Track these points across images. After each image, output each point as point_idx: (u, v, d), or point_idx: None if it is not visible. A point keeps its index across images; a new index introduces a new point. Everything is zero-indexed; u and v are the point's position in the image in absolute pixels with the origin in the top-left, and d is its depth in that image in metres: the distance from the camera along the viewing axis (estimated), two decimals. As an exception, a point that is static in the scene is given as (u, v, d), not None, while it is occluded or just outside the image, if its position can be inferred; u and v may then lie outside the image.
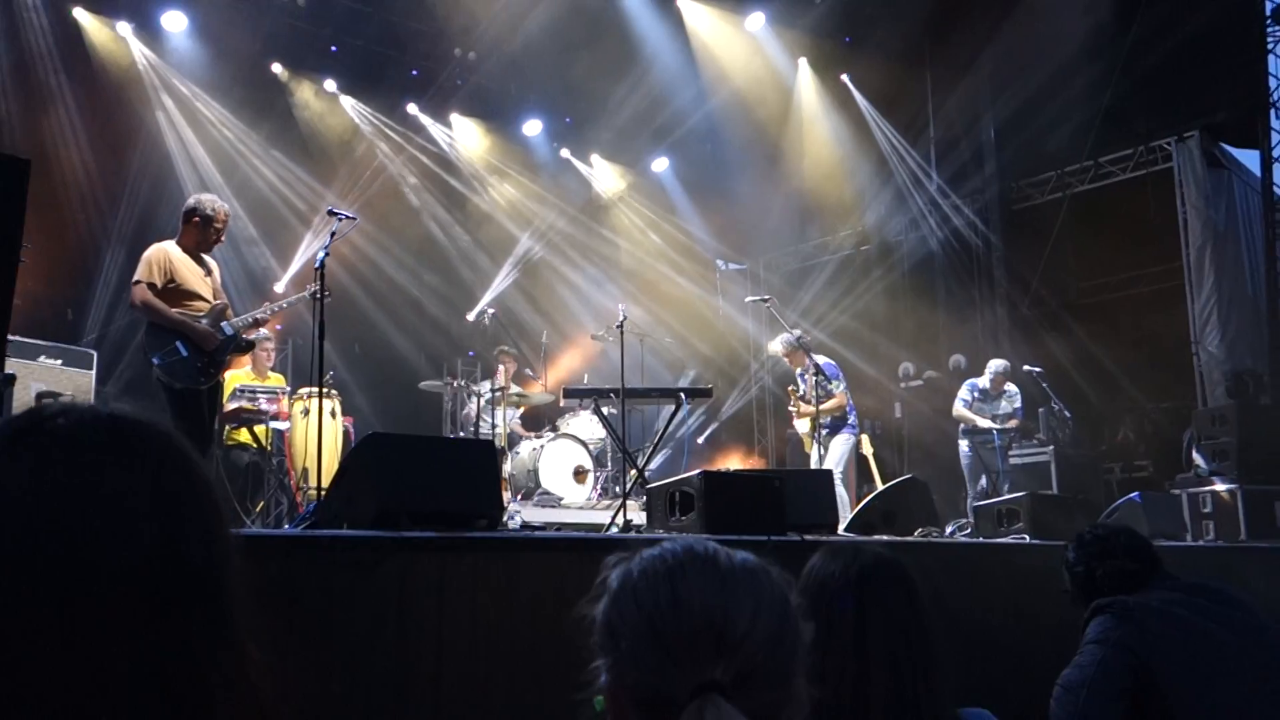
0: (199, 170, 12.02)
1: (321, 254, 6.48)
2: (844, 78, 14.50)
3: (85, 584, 1.00)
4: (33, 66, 10.75)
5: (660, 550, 1.40)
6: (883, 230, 15.44)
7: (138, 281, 6.66)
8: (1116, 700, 2.93)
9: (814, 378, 9.64)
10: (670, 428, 8.49)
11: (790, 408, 10.23)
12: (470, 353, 11.94)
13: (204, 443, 6.68)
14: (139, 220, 11.06)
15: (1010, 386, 11.14)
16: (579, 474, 10.10)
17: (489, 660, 4.20)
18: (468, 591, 4.20)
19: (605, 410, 8.91)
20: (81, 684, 0.97)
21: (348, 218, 6.76)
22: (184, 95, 11.99)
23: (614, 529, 6.80)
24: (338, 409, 9.11)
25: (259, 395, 9.00)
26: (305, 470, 8.34)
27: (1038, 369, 11.38)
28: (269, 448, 9.01)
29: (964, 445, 11.06)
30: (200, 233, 6.90)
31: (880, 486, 8.99)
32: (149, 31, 11.76)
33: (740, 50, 13.98)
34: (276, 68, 12.91)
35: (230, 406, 8.85)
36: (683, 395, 7.70)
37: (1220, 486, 8.84)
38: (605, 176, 15.85)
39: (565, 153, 15.37)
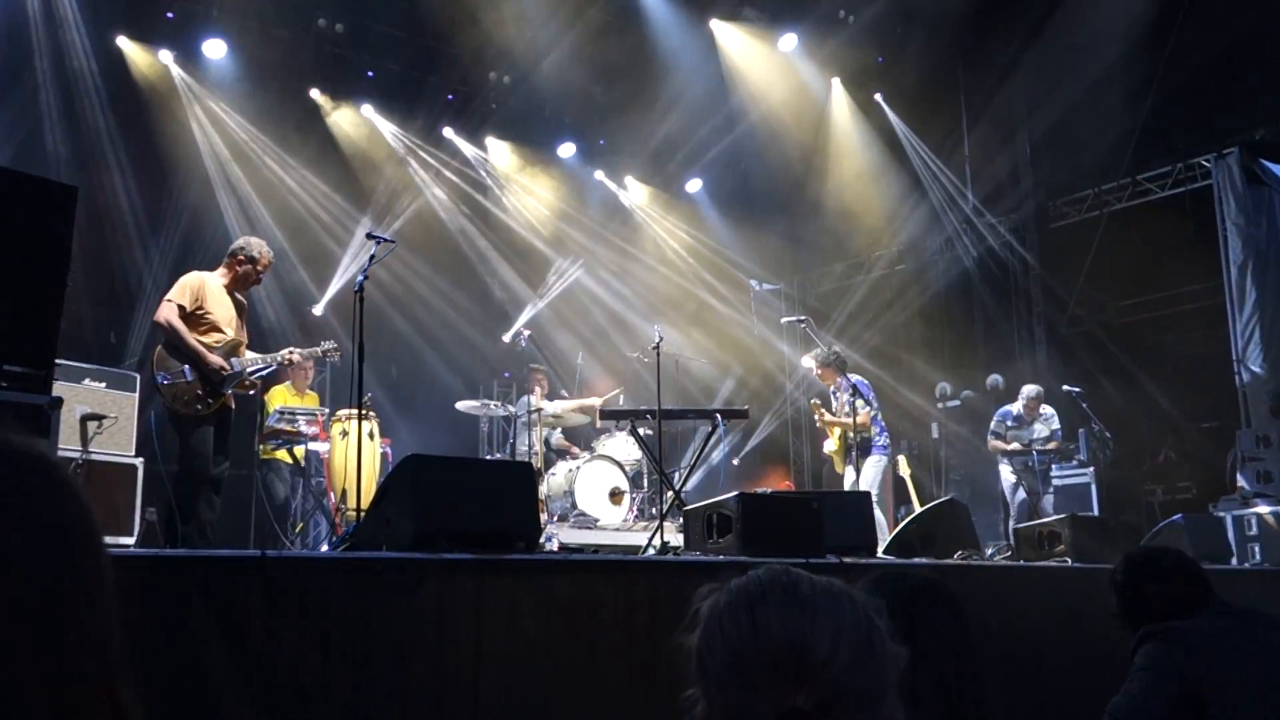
0: (238, 194, 12.17)
1: (360, 278, 6.53)
2: (877, 97, 14.49)
3: None
4: (77, 94, 10.93)
5: (746, 579, 1.41)
6: (917, 250, 15.37)
7: (169, 300, 6.82)
8: (1167, 729, 2.88)
9: (847, 395, 9.58)
10: (706, 449, 8.45)
11: (815, 419, 10.14)
12: (506, 374, 11.98)
13: (206, 466, 6.75)
14: (180, 244, 11.21)
15: (1046, 409, 11.03)
16: (615, 495, 10.08)
17: (527, 682, 4.19)
18: (505, 613, 4.20)
19: (642, 431, 8.90)
20: None
21: (386, 241, 6.82)
22: (224, 121, 12.15)
23: (651, 551, 6.78)
24: (376, 431, 9.17)
25: (298, 417, 9.06)
26: (344, 492, 8.38)
27: (1077, 389, 11.27)
28: (307, 469, 9.07)
29: (1004, 467, 10.97)
30: (243, 273, 7.03)
31: (918, 508, 8.92)
32: (190, 59, 11.93)
33: (773, 71, 14.01)
34: (314, 93, 13.07)
35: (270, 428, 8.92)
36: (718, 416, 7.68)
37: (1265, 509, 8.71)
38: (639, 198, 15.89)
39: (599, 175, 15.43)
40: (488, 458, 10.39)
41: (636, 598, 4.49)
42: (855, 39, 13.61)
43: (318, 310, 12.15)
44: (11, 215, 3.95)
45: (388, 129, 13.66)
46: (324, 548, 7.79)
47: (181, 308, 6.82)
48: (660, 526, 6.92)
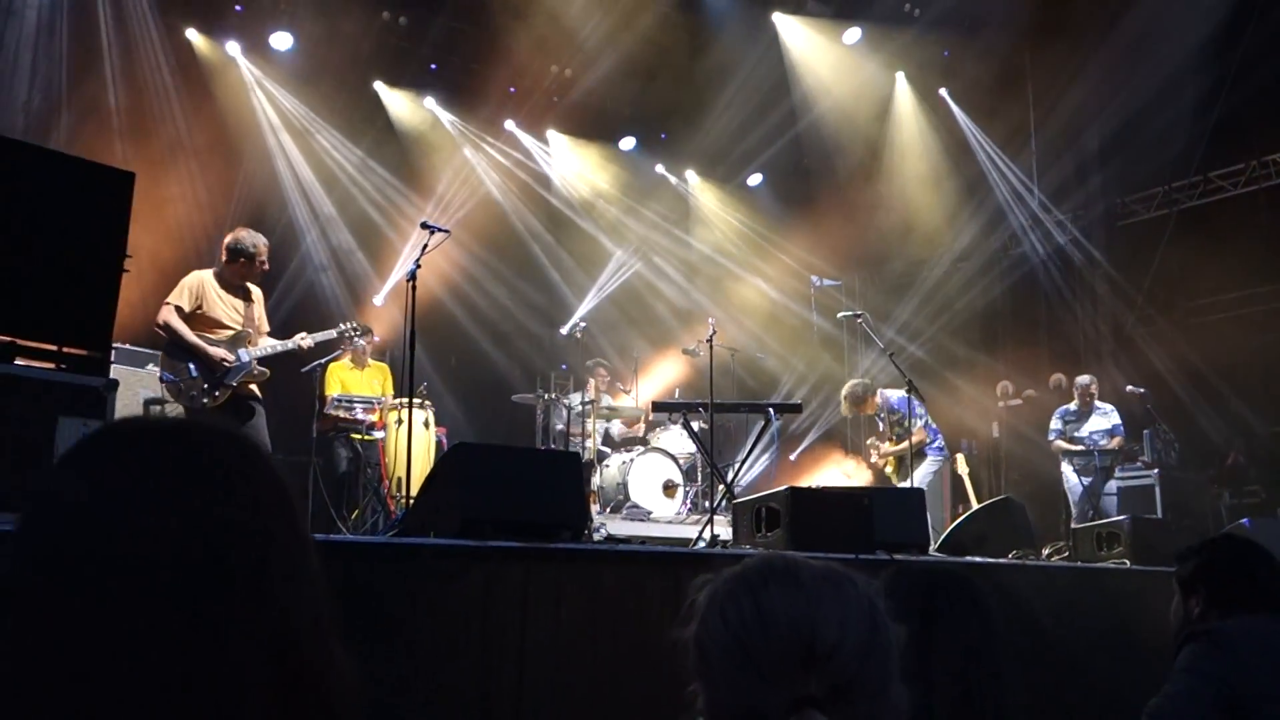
0: (302, 183, 12.33)
1: (413, 266, 6.60)
2: (942, 91, 14.31)
3: (107, 580, 0.99)
4: (147, 84, 11.13)
5: (741, 567, 1.39)
6: (981, 247, 15.16)
7: (167, 303, 7.03)
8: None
9: (889, 416, 9.60)
10: (760, 443, 8.43)
11: (874, 460, 10.17)
12: (563, 365, 12.03)
13: None
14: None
15: (1103, 404, 10.87)
16: (668, 488, 10.08)
17: (570, 672, 4.20)
18: (550, 602, 4.22)
19: (695, 424, 8.89)
20: (102, 683, 0.96)
21: (440, 230, 6.88)
22: (289, 112, 12.31)
23: (701, 544, 6.76)
24: (431, 419, 9.25)
25: (355, 405, 9.17)
26: (399, 479, 8.47)
27: (1142, 390, 11.08)
28: (364, 457, 9.17)
29: (1066, 466, 10.82)
30: (243, 268, 7.19)
31: (975, 506, 8.81)
32: (257, 51, 12.11)
33: (836, 65, 13.89)
34: (378, 85, 13.20)
35: (329, 414, 9.04)
36: (771, 410, 7.64)
37: (1336, 514, 8.49)
38: (700, 192, 15.85)
39: (660, 168, 15.42)
40: (540, 449, 10.44)
41: (683, 591, 4.49)
42: (922, 33, 13.45)
43: (378, 300, 12.28)
44: (71, 200, 4.04)
45: (450, 121, 13.76)
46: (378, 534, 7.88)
47: (179, 309, 7.01)
48: (710, 519, 6.90)
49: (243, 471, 1.10)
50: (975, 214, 14.85)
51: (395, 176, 13.03)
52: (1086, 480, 10.57)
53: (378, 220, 12.87)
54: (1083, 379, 10.92)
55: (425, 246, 6.86)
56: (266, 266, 7.30)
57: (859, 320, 9.90)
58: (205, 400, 6.89)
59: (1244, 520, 8.02)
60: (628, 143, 14.95)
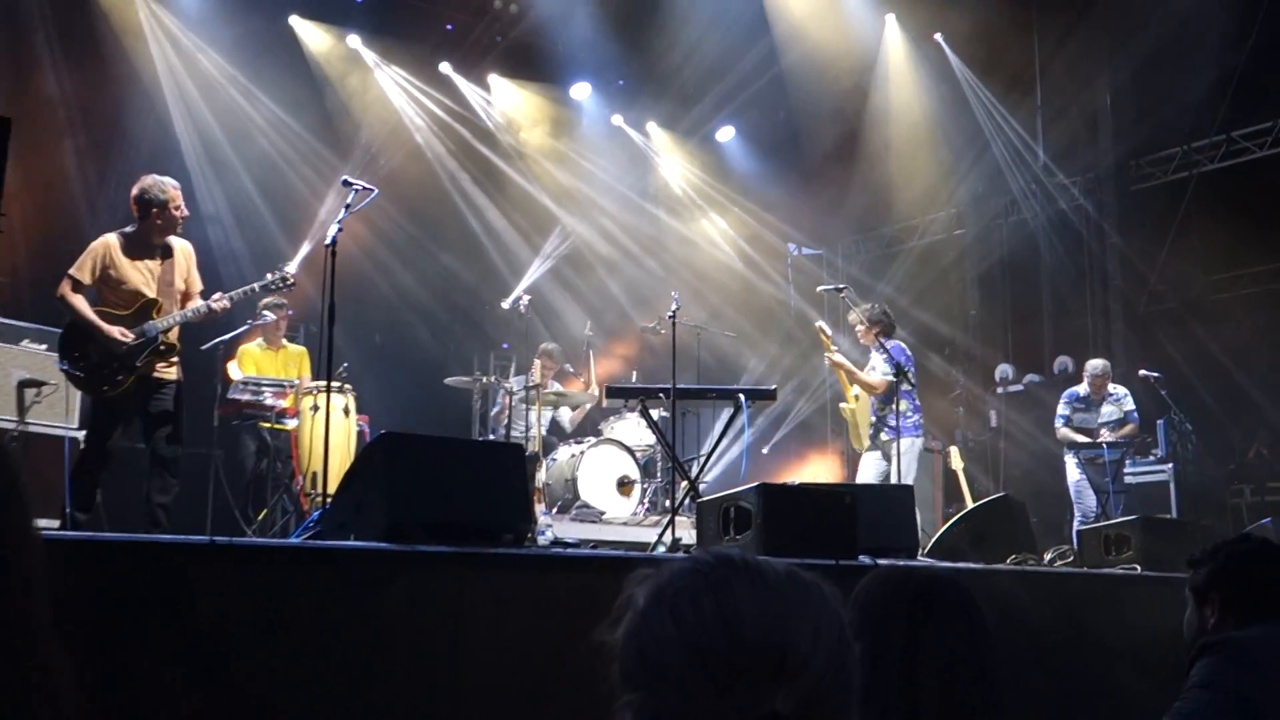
0: (202, 138, 12.14)
1: (334, 229, 6.53)
2: (937, 36, 14.35)
3: None
4: (20, 21, 10.88)
5: (693, 561, 1.35)
6: (977, 213, 15.28)
7: (67, 274, 6.91)
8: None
9: (882, 359, 9.54)
10: (728, 434, 8.44)
11: (825, 359, 10.03)
12: (504, 345, 11.97)
13: (99, 451, 6.80)
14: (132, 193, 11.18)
15: (1117, 388, 10.94)
16: (623, 485, 10.08)
17: (511, 694, 4.19)
18: (488, 615, 4.20)
19: (654, 413, 8.88)
20: None
21: (364, 189, 6.80)
22: (189, 51, 12.10)
23: (661, 548, 6.77)
24: (352, 406, 9.18)
25: (264, 388, 9.07)
26: (314, 474, 8.40)
27: (1156, 374, 11.20)
28: (272, 449, 9.09)
29: (1070, 460, 10.91)
30: (157, 221, 7.05)
31: (970, 506, 8.89)
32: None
33: (818, 3, 13.89)
34: (294, 19, 13.01)
35: (232, 399, 8.94)
36: (742, 397, 7.64)
37: (1368, 514, 8.65)
38: (662, 147, 15.82)
39: (617, 120, 15.36)
40: (477, 439, 10.40)
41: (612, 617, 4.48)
42: (915, -30, 13.51)
43: (290, 268, 12.14)
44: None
45: (375, 63, 13.61)
46: (289, 537, 7.81)
47: (77, 282, 6.89)
48: (672, 521, 6.91)
49: None
50: (970, 176, 14.95)
51: (311, 128, 12.86)
52: (1094, 475, 10.68)
53: (290, 177, 12.72)
54: (1095, 365, 10.95)
55: (347, 207, 6.79)
56: (183, 213, 7.17)
57: (841, 294, 9.93)
58: (106, 387, 6.78)
59: (1266, 520, 8.16)
60: (580, 90, 14.88)
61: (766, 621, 1.26)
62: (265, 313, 9.16)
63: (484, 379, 10.64)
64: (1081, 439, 10.82)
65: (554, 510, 9.74)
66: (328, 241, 6.51)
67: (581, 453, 10.11)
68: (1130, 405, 10.90)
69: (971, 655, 2.15)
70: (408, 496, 4.49)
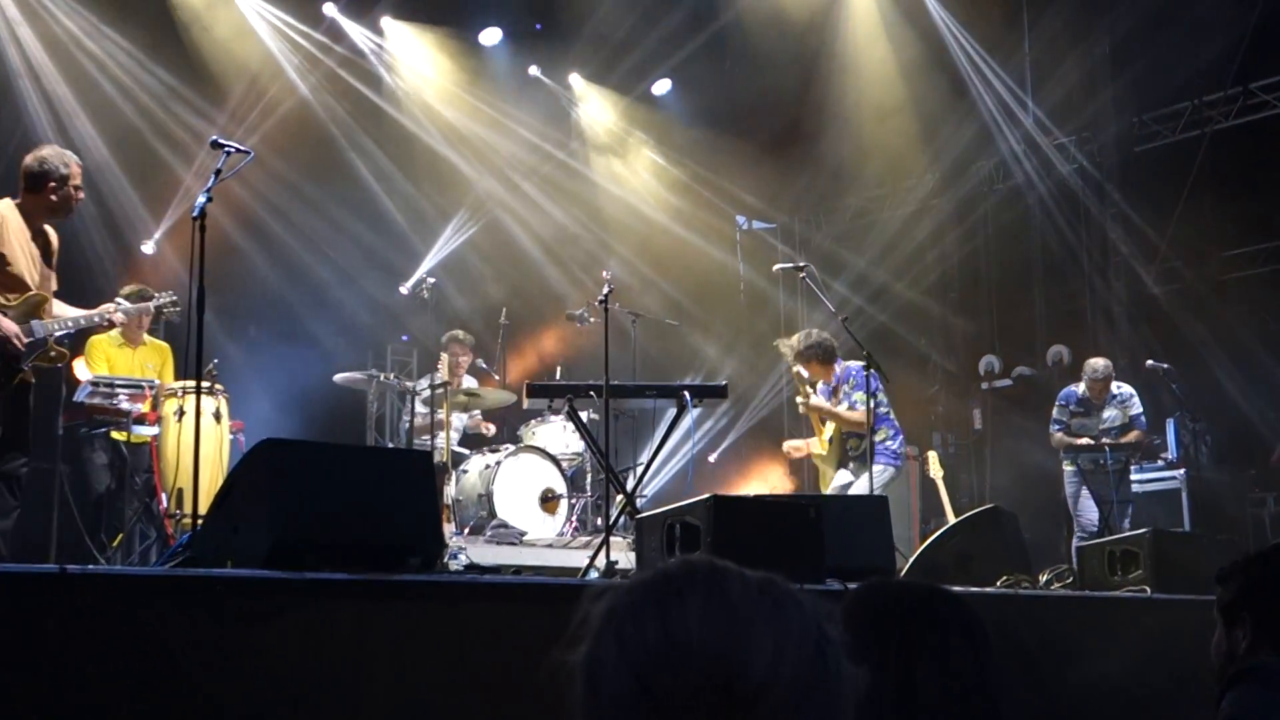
0: (45, 90, 11.96)
1: (201, 199, 6.46)
2: (911, -26, 14.47)
3: None
4: None
5: (653, 574, 1.38)
6: (960, 179, 15.40)
7: None
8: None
9: (846, 388, 9.60)
10: (671, 438, 8.46)
11: (799, 403, 10.03)
12: (404, 336, 11.94)
13: None
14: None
15: (1122, 389, 11.04)
16: (548, 501, 10.08)
17: (421, 745, 4.19)
18: (392, 654, 4.19)
19: (584, 415, 8.87)
20: None
21: (237, 151, 6.74)
22: (32, 4, 11.93)
23: (594, 573, 6.78)
24: (224, 410, 9.10)
25: (118, 390, 8.95)
26: (180, 491, 8.31)
27: (1165, 366, 11.33)
28: (130, 460, 9.00)
29: (1068, 466, 11.03)
30: (50, 197, 6.95)
31: (953, 519, 8.97)
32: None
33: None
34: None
35: (79, 403, 8.81)
36: (687, 395, 7.66)
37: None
38: (589, 103, 15.80)
39: (534, 70, 15.32)
40: (377, 446, 10.34)
41: (570, 635, 4.50)
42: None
43: (149, 247, 12.02)
44: None
45: (250, 4, 13.48)
46: (152, 564, 7.74)
47: None
48: (605, 541, 6.92)
49: None
50: (953, 137, 15.05)
51: (175, 80, 12.72)
52: (1094, 484, 10.79)
53: (151, 139, 12.56)
54: (1095, 366, 10.97)
55: (217, 173, 6.72)
56: (80, 195, 7.08)
57: (801, 274, 9.94)
58: None
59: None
60: (491, 35, 14.80)
61: (718, 641, 1.29)
62: (123, 300, 8.82)
63: (381, 376, 10.58)
64: (1081, 441, 10.92)
65: (466, 531, 9.73)
66: (195, 213, 6.45)
67: (497, 463, 10.09)
68: (1137, 408, 10.97)
69: (974, 677, 2.17)
70: (295, 515, 4.46)
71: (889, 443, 9.70)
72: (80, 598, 3.69)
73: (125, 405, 8.93)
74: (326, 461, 4.86)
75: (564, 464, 10.38)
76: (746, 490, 13.88)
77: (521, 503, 10.00)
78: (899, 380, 10.95)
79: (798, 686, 1.29)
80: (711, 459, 15.08)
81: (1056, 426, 11.10)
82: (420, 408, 10.78)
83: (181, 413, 8.76)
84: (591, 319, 9.97)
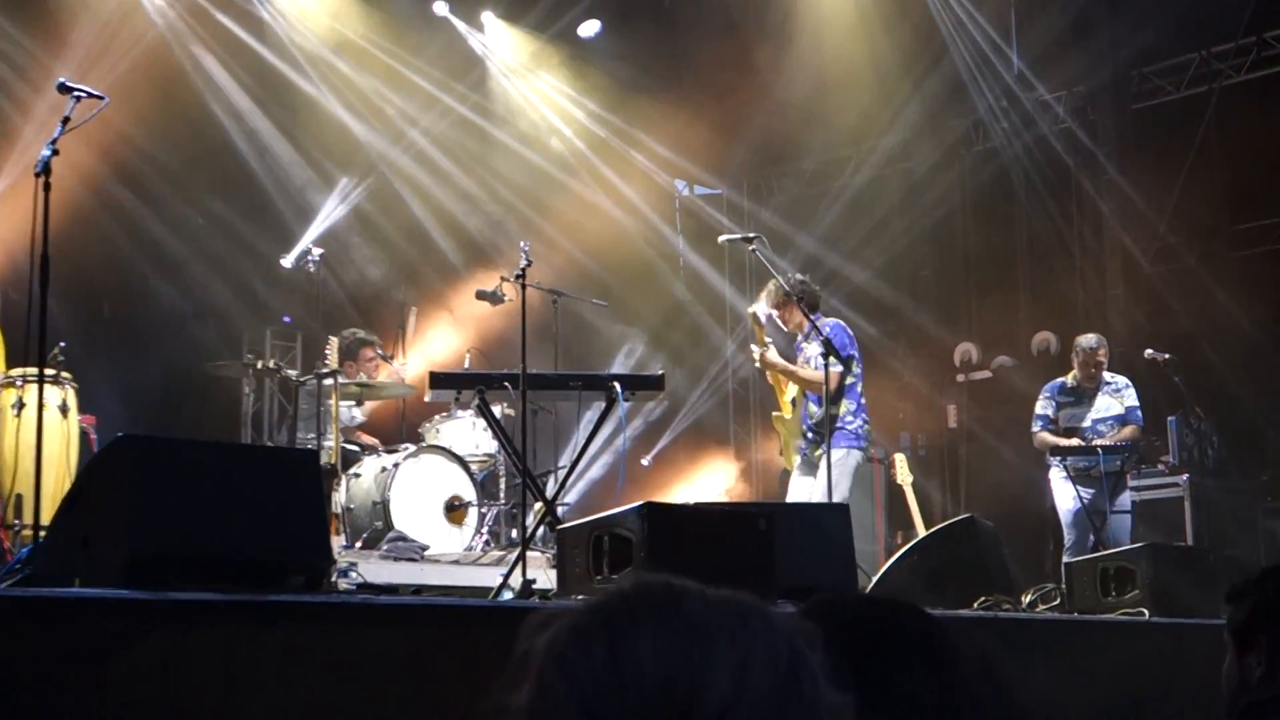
0: None
1: (46, 151, 6.38)
2: (876, -99, 14.53)
3: None
4: None
5: (605, 597, 1.41)
6: (932, 139, 15.49)
7: None
8: None
9: (816, 349, 9.57)
10: (599, 437, 8.45)
11: (753, 349, 10.01)
12: (286, 318, 11.84)
13: None
14: None
15: (1116, 378, 11.09)
16: (454, 509, 10.04)
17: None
18: (270, 685, 4.18)
19: (497, 410, 8.84)
20: None
21: (89, 96, 6.67)
22: None
23: (507, 593, 6.76)
24: (72, 402, 9.01)
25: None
26: (19, 497, 8.21)
27: (1166, 355, 11.42)
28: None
29: (1055, 472, 11.08)
30: None
31: (923, 532, 9.02)
32: None
33: None
34: None
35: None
36: (618, 386, 7.65)
37: None
38: (504, 46, 15.75)
39: (439, 7, 15.24)
40: (252, 444, 10.26)
41: (479, 665, 4.48)
42: None
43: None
44: None
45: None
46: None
47: None
48: (522, 557, 6.90)
49: None
50: (920, 92, 15.12)
51: (10, 17, 12.56)
52: (1086, 492, 10.85)
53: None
54: (1086, 340, 11.07)
55: (64, 121, 6.64)
56: None
57: (751, 247, 9.94)
58: None
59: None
60: (388, -35, 14.75)
61: (672, 666, 1.31)
62: None
63: (258, 364, 10.49)
64: (1068, 443, 10.96)
65: (358, 544, 9.67)
66: (37, 169, 6.36)
67: (395, 466, 10.03)
68: (1133, 399, 11.04)
69: (940, 702, 2.17)
70: (157, 524, 4.44)
71: (850, 419, 9.75)
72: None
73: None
74: (193, 462, 4.83)
75: (473, 467, 10.34)
76: (688, 498, 13.87)
77: (423, 512, 9.94)
78: (863, 372, 10.97)
79: (766, 711, 1.30)
80: (645, 461, 15.10)
81: (1041, 424, 11.14)
82: (305, 401, 10.69)
83: (21, 405, 8.65)
84: (506, 298, 9.91)
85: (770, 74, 15.04)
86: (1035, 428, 11.17)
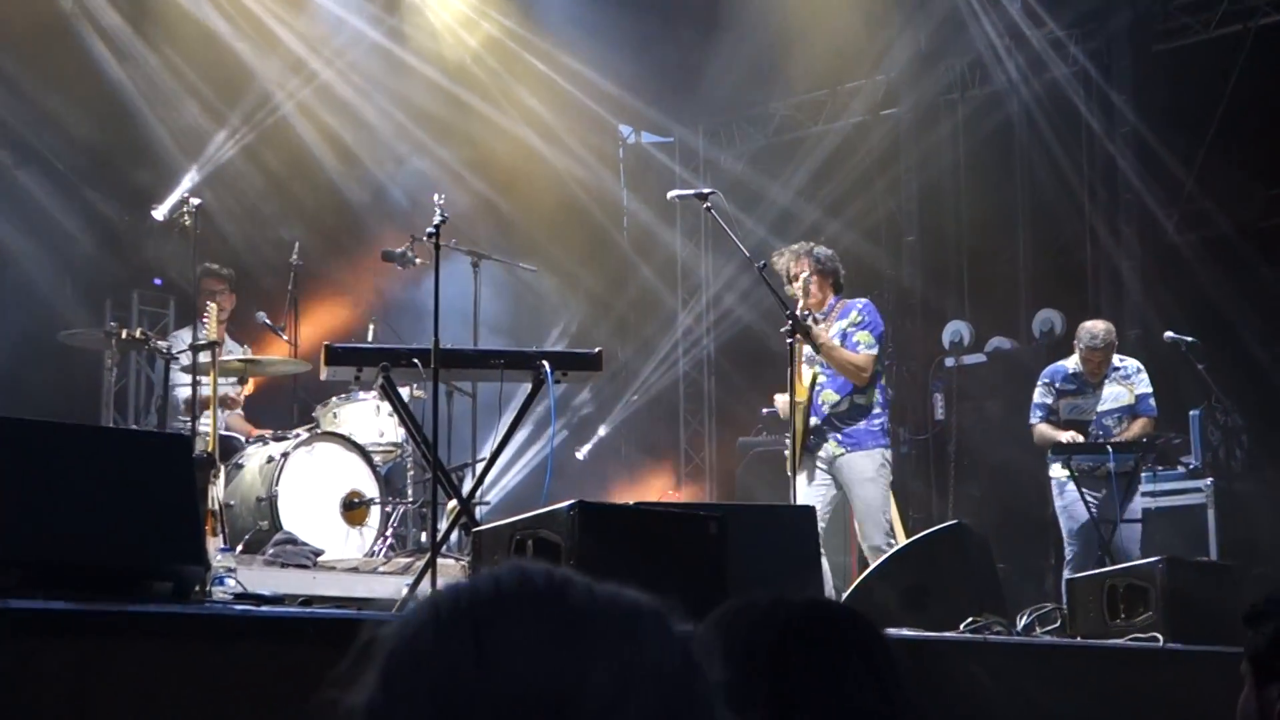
0: None
1: None
2: None
3: None
4: None
5: (472, 583, 1.40)
6: (923, 82, 15.51)
7: None
8: None
9: (841, 325, 9.65)
10: (524, 425, 8.47)
11: (792, 346, 9.93)
12: (157, 280, 11.78)
13: None
14: None
15: (1126, 362, 11.11)
16: (352, 508, 10.02)
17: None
18: (132, 709, 4.15)
19: (405, 391, 8.82)
20: None
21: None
22: None
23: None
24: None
25: None
26: None
27: (1189, 339, 11.47)
28: None
29: (1056, 471, 11.12)
30: None
31: (903, 540, 9.05)
32: None
33: None
34: None
35: None
36: (547, 365, 7.66)
37: None
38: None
39: (346, -84, 15.20)
40: (115, 427, 10.21)
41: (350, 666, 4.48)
42: None
43: None
44: None
45: None
46: None
47: None
48: (432, 562, 6.91)
49: None
50: (912, 24, 15.14)
51: None
52: (1093, 496, 10.90)
53: None
54: (1093, 331, 11.05)
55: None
56: None
57: (706, 205, 9.95)
58: None
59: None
60: None
61: (546, 664, 1.31)
62: None
63: (123, 333, 10.43)
64: (1070, 437, 10.96)
65: (238, 547, 9.63)
66: None
67: (284, 455, 9.99)
68: (1145, 386, 11.05)
69: (878, 713, 2.18)
70: (-2, 520, 4.41)
71: (878, 413, 9.89)
72: None
73: None
74: (44, 448, 4.82)
75: (376, 458, 10.32)
76: (630, 498, 13.88)
77: (317, 510, 9.92)
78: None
79: (651, 708, 1.31)
80: (580, 455, 15.10)
81: (1039, 414, 11.15)
82: (180, 377, 10.63)
83: None
84: (417, 260, 9.88)
85: (732, 5, 15.03)
86: (1033, 419, 11.18)
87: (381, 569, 9.53)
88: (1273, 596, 3.47)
